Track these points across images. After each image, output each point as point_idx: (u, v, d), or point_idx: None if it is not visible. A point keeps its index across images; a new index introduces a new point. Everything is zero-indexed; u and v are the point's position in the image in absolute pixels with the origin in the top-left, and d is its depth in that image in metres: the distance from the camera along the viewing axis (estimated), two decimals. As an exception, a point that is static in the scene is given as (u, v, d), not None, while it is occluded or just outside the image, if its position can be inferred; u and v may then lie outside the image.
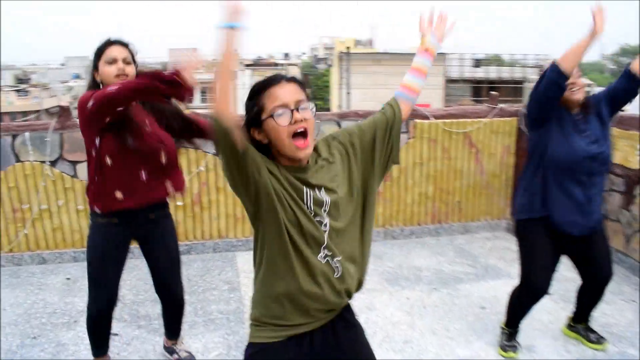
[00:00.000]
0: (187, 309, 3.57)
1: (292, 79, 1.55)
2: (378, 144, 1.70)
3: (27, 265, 4.38)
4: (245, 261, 4.36)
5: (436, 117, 4.71)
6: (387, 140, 1.73)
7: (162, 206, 2.56)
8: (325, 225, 1.54)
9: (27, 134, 4.21)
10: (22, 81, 47.18)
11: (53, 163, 4.25)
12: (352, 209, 1.62)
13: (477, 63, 41.18)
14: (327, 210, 1.55)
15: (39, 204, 4.27)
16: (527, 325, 3.19)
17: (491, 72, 39.50)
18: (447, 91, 36.77)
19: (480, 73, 39.89)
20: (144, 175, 2.37)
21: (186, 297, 3.68)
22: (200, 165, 4.38)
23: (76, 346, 3.13)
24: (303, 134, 1.50)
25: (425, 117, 4.69)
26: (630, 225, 4.20)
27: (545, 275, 2.74)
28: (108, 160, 2.30)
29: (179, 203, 4.42)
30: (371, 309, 3.54)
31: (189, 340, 3.17)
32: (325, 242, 1.54)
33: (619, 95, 2.67)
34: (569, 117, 2.64)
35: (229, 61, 1.40)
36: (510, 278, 3.97)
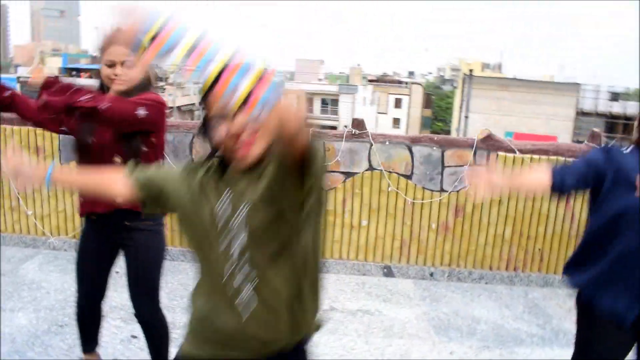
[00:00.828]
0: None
1: None
2: None
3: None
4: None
5: (523, 152, 4.17)
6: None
7: (136, 215, 2.27)
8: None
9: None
10: (160, 79, 51.21)
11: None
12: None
13: (615, 96, 37.90)
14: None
15: (104, 196, 4.39)
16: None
17: (629, 108, 36.11)
18: (577, 124, 34.20)
19: (616, 108, 36.65)
20: None
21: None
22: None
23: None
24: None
25: (511, 150, 4.18)
26: None
27: None
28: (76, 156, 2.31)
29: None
30: (406, 355, 3.15)
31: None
32: None
33: None
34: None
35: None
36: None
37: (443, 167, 4.19)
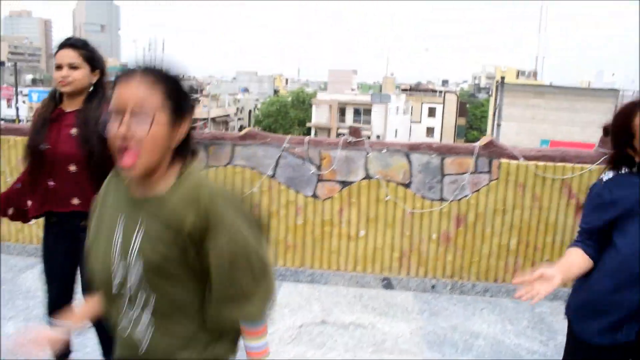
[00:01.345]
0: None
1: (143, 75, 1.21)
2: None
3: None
4: (288, 293, 4.04)
5: (527, 158, 3.99)
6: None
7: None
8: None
9: None
10: (195, 91, 52.10)
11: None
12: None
13: (658, 102, 36.56)
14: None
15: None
16: None
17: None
18: (616, 131, 33.15)
19: (660, 114, 35.38)
20: (50, 182, 2.30)
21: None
22: (254, 185, 4.18)
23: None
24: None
25: (514, 157, 4.00)
26: None
27: None
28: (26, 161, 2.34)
29: (231, 221, 4.26)
30: (392, 375, 3.01)
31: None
32: None
33: None
34: None
35: None
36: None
37: (443, 175, 4.04)
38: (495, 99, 35.08)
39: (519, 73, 56.06)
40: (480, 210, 4.07)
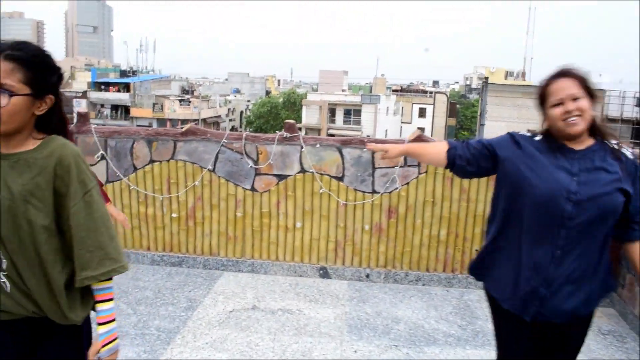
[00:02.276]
0: (133, 320, 3.54)
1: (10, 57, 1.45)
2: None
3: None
4: (226, 282, 4.22)
5: (454, 153, 4.17)
6: None
7: None
8: None
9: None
10: (187, 92, 52.15)
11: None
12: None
13: (643, 103, 36.90)
14: None
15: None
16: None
17: (659, 115, 35.20)
18: (603, 131, 33.44)
19: (645, 113, 35.71)
20: None
21: (141, 307, 3.68)
22: (196, 179, 4.35)
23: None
24: None
25: (442, 152, 4.18)
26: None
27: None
28: None
29: (174, 215, 4.43)
30: (305, 355, 3.19)
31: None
32: None
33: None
34: (551, 149, 1.97)
35: None
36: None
37: (374, 168, 4.22)
38: (481, 99, 35.31)
39: (507, 74, 56.39)
40: (410, 202, 4.25)
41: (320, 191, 4.26)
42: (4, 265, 1.48)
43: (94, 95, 50.17)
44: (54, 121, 1.57)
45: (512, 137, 2.01)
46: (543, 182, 1.88)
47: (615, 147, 1.92)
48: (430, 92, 62.94)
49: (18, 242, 1.46)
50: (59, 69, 1.56)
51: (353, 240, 4.34)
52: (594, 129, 1.93)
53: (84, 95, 49.46)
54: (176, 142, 4.34)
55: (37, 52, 1.48)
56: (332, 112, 49.94)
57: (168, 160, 4.37)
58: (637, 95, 35.61)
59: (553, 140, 1.95)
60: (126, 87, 50.10)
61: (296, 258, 4.41)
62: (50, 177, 1.47)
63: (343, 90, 61.67)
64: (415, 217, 4.28)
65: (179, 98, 51.21)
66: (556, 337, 2.01)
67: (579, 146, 1.92)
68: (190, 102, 52.01)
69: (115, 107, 49.82)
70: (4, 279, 1.49)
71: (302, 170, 4.27)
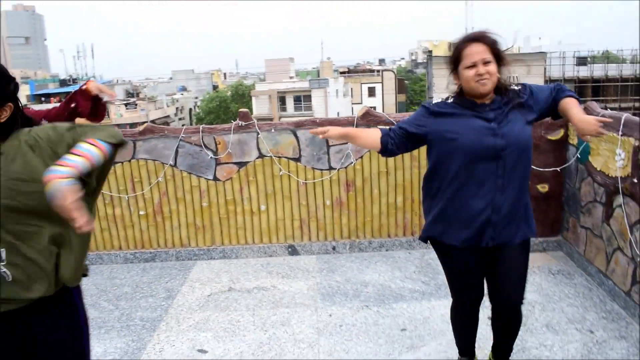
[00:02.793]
0: (116, 314, 3.69)
1: None
2: None
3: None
4: (200, 270, 4.39)
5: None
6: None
7: None
8: None
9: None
10: (132, 95, 51.06)
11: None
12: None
13: (581, 61, 38.47)
14: None
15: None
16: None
17: (596, 71, 36.80)
18: (545, 92, 34.72)
19: (583, 72, 37.25)
20: None
21: (122, 302, 3.82)
22: (159, 175, 4.49)
23: None
24: None
25: (390, 124, 4.45)
26: (610, 242, 3.70)
27: (468, 289, 2.52)
28: None
29: (142, 212, 4.56)
30: (285, 324, 3.42)
31: (94, 344, 3.24)
32: None
33: (544, 111, 2.37)
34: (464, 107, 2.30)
35: None
36: (457, 298, 3.65)
37: (328, 146, 4.45)
38: (427, 73, 36.02)
39: (450, 45, 57.46)
40: (366, 175, 4.51)
41: (280, 173, 4.47)
42: (3, 255, 1.62)
43: (36, 107, 48.50)
44: (18, 126, 1.69)
45: (427, 109, 2.36)
46: (468, 131, 2.20)
47: (510, 88, 2.30)
48: (378, 71, 63.59)
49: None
50: (13, 78, 1.71)
51: (317, 216, 4.58)
52: (498, 87, 2.27)
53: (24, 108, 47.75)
54: (135, 142, 4.46)
55: None
56: (282, 101, 49.95)
57: (129, 160, 4.49)
58: (576, 54, 37.07)
59: (465, 98, 2.29)
60: (67, 97, 48.64)
61: (265, 239, 4.63)
62: (30, 153, 1.62)
63: (291, 78, 61.57)
64: (372, 188, 4.54)
65: (125, 102, 50.16)
66: (505, 259, 2.33)
67: (487, 101, 2.27)
68: (136, 105, 51.02)
69: (58, 121, 48.28)
70: (4, 269, 1.63)
71: (261, 156, 4.47)
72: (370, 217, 4.60)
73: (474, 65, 2.18)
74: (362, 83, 58.40)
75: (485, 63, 2.18)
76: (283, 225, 4.60)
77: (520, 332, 2.59)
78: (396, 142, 2.37)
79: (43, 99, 49.65)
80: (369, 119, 4.45)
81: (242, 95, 53.62)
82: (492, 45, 2.20)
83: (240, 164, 4.47)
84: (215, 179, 4.50)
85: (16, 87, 1.70)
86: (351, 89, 56.60)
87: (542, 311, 3.48)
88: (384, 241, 4.66)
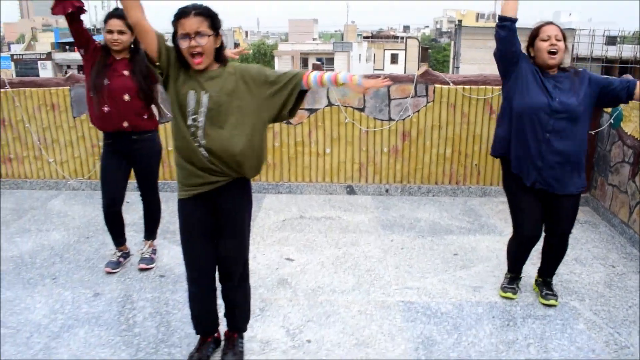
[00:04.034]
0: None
1: (199, 13, 2.17)
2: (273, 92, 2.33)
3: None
4: (270, 202, 5.04)
5: (456, 83, 4.99)
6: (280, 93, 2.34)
7: (139, 132, 3.35)
8: (197, 120, 2.22)
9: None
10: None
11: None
12: (234, 117, 2.24)
13: (611, 40, 38.07)
14: (204, 111, 2.21)
15: (111, 142, 5.28)
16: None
17: (625, 51, 36.43)
18: (573, 70, 34.50)
19: (612, 52, 36.91)
20: (106, 108, 3.22)
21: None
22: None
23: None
24: (198, 54, 2.19)
25: (445, 83, 4.99)
26: (634, 196, 4.27)
27: (531, 223, 3.06)
28: (90, 94, 3.25)
29: (220, 148, 5.19)
30: (355, 244, 4.07)
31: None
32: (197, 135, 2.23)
33: (609, 98, 2.89)
34: (539, 75, 2.87)
35: None
36: (500, 235, 4.27)
37: (389, 99, 5.02)
38: (454, 43, 35.74)
39: (478, 16, 56.82)
40: (420, 127, 5.09)
41: (346, 121, 5.06)
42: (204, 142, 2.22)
43: (59, 56, 48.93)
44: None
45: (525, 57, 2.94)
46: (532, 91, 2.80)
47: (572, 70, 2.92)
48: (402, 38, 63.12)
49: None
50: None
51: (374, 161, 5.19)
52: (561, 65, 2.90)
53: (48, 56, 48.27)
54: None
55: None
56: (305, 62, 50.01)
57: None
58: (606, 33, 36.66)
59: (538, 66, 2.89)
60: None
61: (327, 179, 5.26)
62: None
63: (314, 39, 61.30)
64: (425, 139, 5.13)
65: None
66: (550, 203, 2.94)
67: (553, 72, 2.88)
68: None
69: (81, 68, 48.81)
70: (205, 152, 2.24)
71: (330, 104, 5.05)
72: (421, 165, 5.20)
73: (548, 39, 2.76)
74: (385, 49, 58.08)
75: (558, 40, 2.76)
76: (344, 168, 5.21)
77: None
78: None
79: (67, 47, 50.05)
80: (427, 77, 4.99)
81: (264, 55, 53.69)
82: (561, 30, 2.79)
83: (311, 110, 5.06)
84: (288, 122, 5.10)
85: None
86: (374, 54, 56.37)
87: (571, 249, 4.05)
88: (431, 187, 5.26)
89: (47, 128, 5.35)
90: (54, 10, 3.13)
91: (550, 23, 2.87)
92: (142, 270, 3.64)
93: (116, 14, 3.19)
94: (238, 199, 2.43)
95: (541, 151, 2.85)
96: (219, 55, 2.29)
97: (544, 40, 2.81)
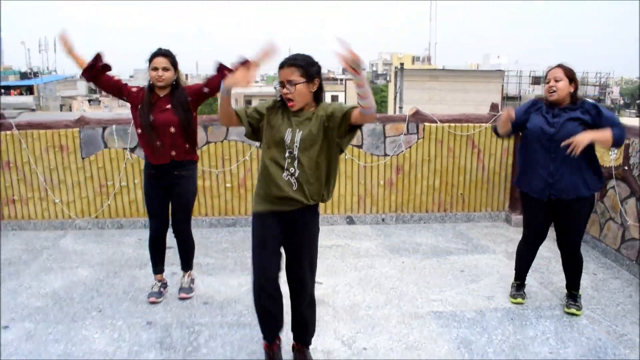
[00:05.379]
0: (229, 260, 4.64)
1: (292, 64, 2.58)
2: (336, 125, 2.68)
3: (109, 229, 5.59)
4: (278, 233, 5.38)
5: (442, 122, 5.60)
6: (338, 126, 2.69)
7: (181, 165, 3.63)
8: (292, 154, 2.64)
9: (113, 127, 5.44)
10: (94, 91, 50.51)
11: (132, 150, 5.46)
12: (315, 151, 2.63)
13: (536, 80, 41.11)
14: (297, 145, 2.61)
15: (120, 182, 5.48)
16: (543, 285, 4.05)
17: (550, 90, 39.29)
18: (505, 108, 36.82)
19: (537, 90, 39.80)
20: (158, 142, 3.54)
21: (230, 253, 4.76)
22: (245, 155, 5.46)
23: (145, 278, 4.23)
24: (289, 100, 2.62)
25: (433, 121, 5.59)
26: (603, 214, 4.93)
27: (534, 229, 3.62)
28: (138, 131, 3.58)
29: (228, 185, 5.52)
30: (371, 267, 4.48)
31: (229, 280, 4.21)
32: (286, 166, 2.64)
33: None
34: (544, 109, 3.45)
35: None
36: (494, 254, 4.81)
37: (385, 137, 5.55)
38: (395, 84, 37.35)
39: (414, 59, 59.71)
40: (412, 161, 5.63)
41: (346, 157, 5.53)
42: (296, 172, 2.62)
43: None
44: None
45: (534, 104, 3.53)
46: (535, 123, 3.41)
47: (582, 102, 3.44)
48: (341, 80, 65.16)
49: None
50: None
51: (371, 193, 5.66)
52: (572, 97, 3.42)
53: (-20, 100, 46.50)
54: (228, 126, 5.41)
55: None
56: (249, 104, 50.62)
57: (222, 141, 5.45)
58: (532, 74, 39.44)
59: (545, 103, 3.46)
60: (29, 90, 47.82)
61: (328, 211, 5.67)
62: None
63: (256, 82, 62.21)
64: (417, 172, 5.67)
65: (88, 98, 49.65)
66: (564, 210, 3.48)
67: (559, 106, 3.44)
68: (100, 101, 50.52)
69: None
70: (293, 180, 2.63)
71: (331, 142, 5.51)
72: (413, 196, 5.72)
73: (549, 81, 3.36)
74: (325, 91, 59.56)
75: (556, 81, 3.35)
76: (344, 200, 5.65)
77: (545, 274, 3.78)
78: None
79: (2, 91, 48.49)
80: (417, 116, 5.58)
81: (208, 98, 53.92)
82: (566, 70, 3.37)
83: (314, 148, 5.50)
84: (293, 159, 5.50)
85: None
86: (316, 96, 57.67)
87: (556, 263, 4.67)
88: (423, 215, 5.78)
89: (54, 169, 5.50)
90: (84, 75, 3.61)
91: (556, 66, 3.41)
92: (182, 299, 3.88)
93: (160, 52, 3.52)
94: (311, 224, 2.82)
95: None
96: (318, 98, 2.70)
97: (547, 83, 3.40)
